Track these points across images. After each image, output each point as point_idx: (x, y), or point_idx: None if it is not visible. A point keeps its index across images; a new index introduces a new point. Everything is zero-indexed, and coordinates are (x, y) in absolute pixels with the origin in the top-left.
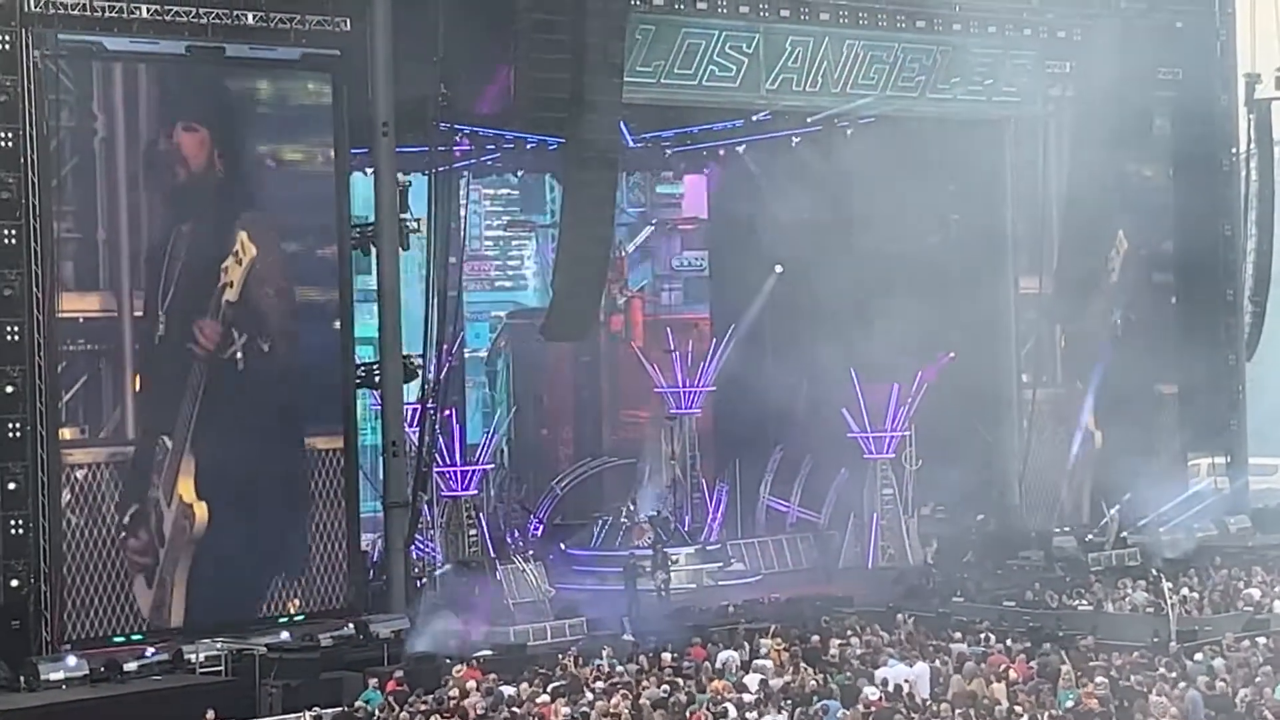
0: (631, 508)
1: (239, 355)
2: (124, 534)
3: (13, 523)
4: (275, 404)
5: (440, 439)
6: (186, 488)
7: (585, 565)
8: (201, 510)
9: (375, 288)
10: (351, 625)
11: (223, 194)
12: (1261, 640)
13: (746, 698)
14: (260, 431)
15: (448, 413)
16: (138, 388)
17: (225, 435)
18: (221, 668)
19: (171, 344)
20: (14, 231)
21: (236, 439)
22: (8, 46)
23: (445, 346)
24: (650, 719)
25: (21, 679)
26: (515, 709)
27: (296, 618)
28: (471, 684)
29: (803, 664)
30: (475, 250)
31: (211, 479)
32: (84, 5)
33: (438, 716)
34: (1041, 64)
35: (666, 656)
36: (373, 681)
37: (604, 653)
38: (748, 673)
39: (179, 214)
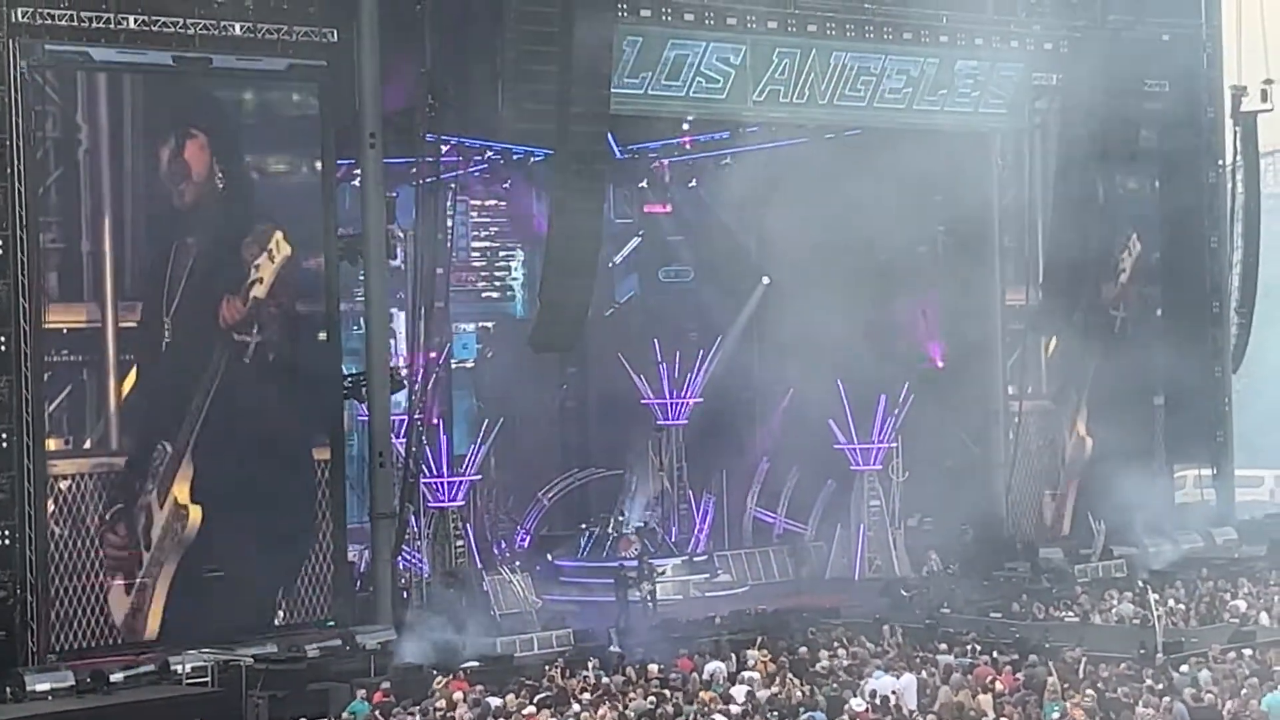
0: (619, 519)
1: (250, 350)
2: (107, 535)
3: None
4: (269, 414)
5: (427, 450)
6: (182, 491)
7: (572, 576)
8: (195, 513)
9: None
10: (338, 636)
11: (223, 204)
12: (1248, 652)
13: (733, 709)
14: (254, 441)
15: (435, 423)
16: (122, 395)
17: (223, 442)
18: (208, 679)
19: (179, 350)
20: (0, 242)
21: (233, 446)
22: None
23: (432, 357)
24: None
25: (7, 690)
26: None
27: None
28: (458, 695)
29: (789, 675)
30: (462, 261)
31: (206, 484)
32: (71, 16)
33: None
34: (1028, 76)
35: (653, 668)
36: (360, 693)
37: (590, 664)
38: (734, 684)
39: (180, 226)
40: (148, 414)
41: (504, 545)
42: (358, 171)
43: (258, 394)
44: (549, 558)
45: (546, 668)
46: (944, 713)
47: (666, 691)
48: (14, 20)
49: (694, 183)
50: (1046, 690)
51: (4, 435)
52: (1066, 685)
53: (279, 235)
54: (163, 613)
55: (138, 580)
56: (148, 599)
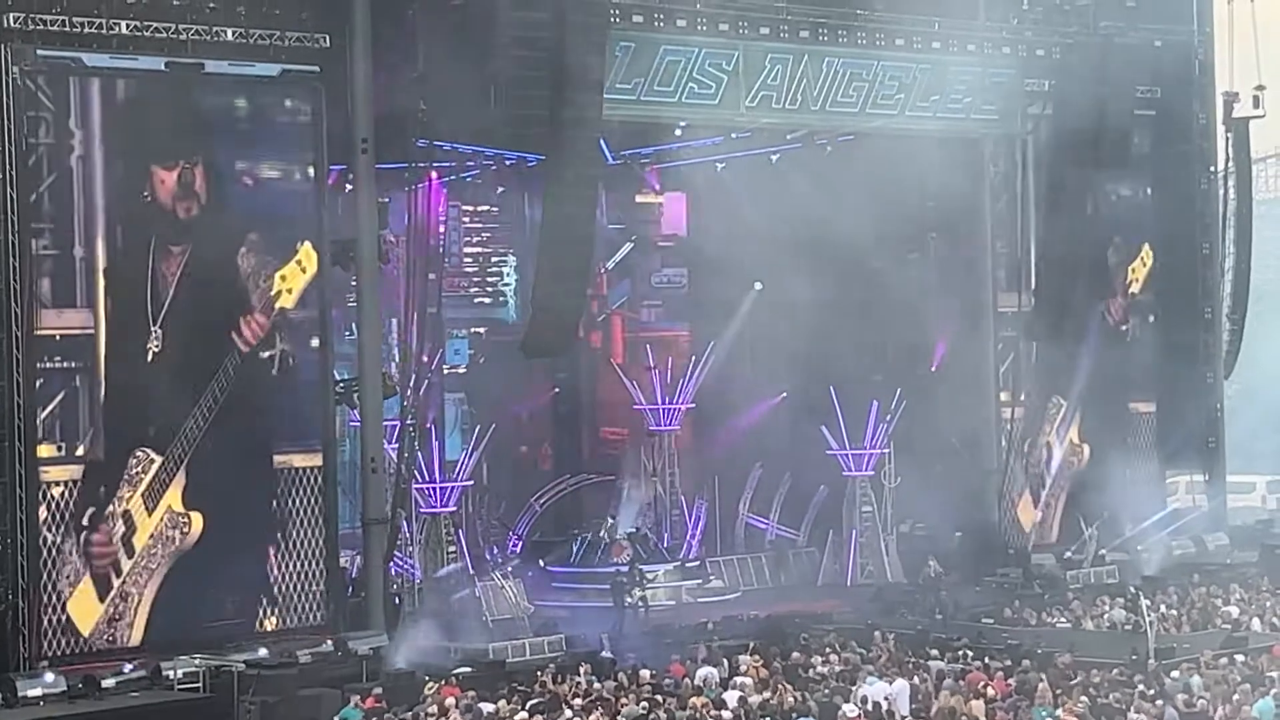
0: (611, 523)
1: (275, 361)
2: (91, 542)
3: None
4: (261, 420)
5: (419, 455)
6: (175, 498)
7: (564, 582)
8: (197, 520)
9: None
10: (330, 642)
11: (216, 212)
12: (1239, 658)
13: (726, 715)
14: (247, 447)
15: (427, 428)
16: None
17: (216, 448)
18: (200, 684)
19: (170, 358)
20: None
21: (226, 453)
22: None
23: (424, 363)
24: None
25: None
26: None
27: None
28: (450, 701)
29: (782, 681)
30: (454, 266)
31: (198, 491)
32: (63, 21)
33: None
34: (1020, 82)
35: (645, 673)
36: (353, 699)
37: (583, 669)
38: (727, 690)
39: (171, 234)
40: (126, 421)
41: (496, 551)
42: (350, 177)
43: (255, 401)
44: (541, 563)
45: (538, 673)
46: (937, 718)
47: (659, 697)
48: (5, 26)
49: (687, 188)
50: (1036, 696)
51: None
52: (1059, 691)
53: (307, 245)
54: (149, 618)
55: (116, 586)
56: (134, 605)
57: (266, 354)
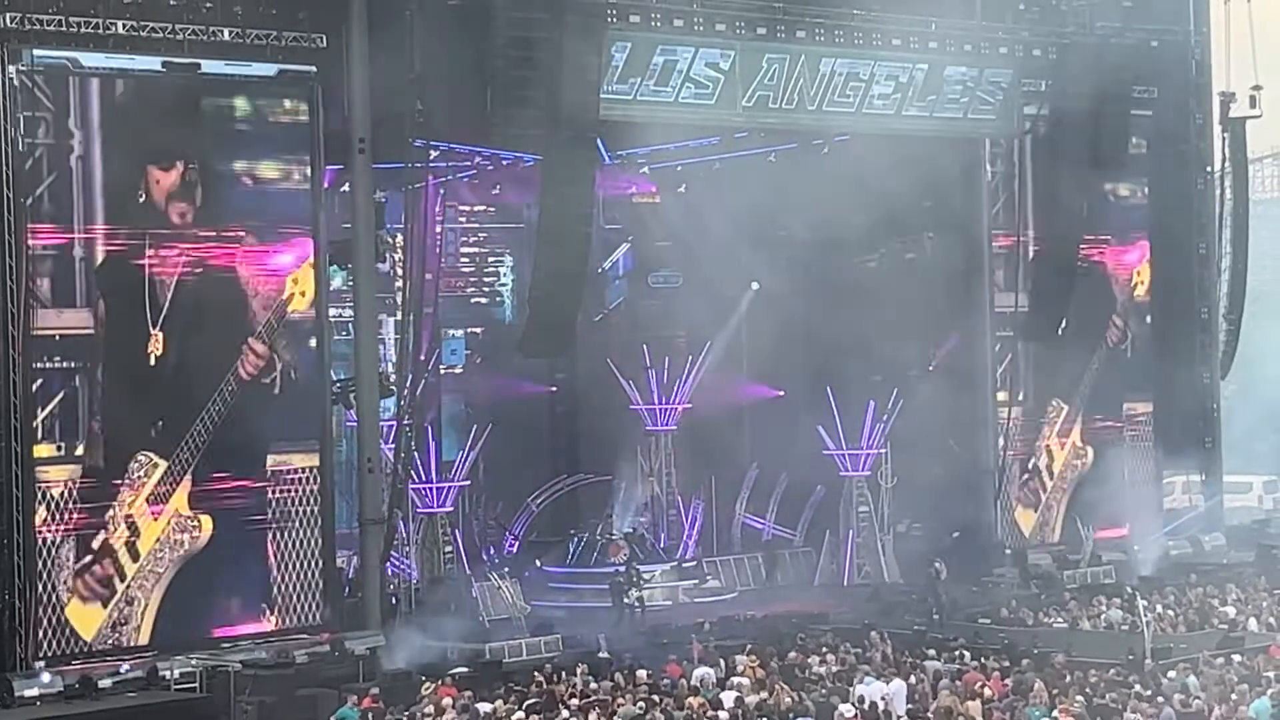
0: (608, 523)
1: (277, 381)
2: (91, 545)
3: None
4: (260, 421)
5: (415, 455)
6: (182, 502)
7: (561, 582)
8: (207, 523)
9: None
10: (327, 642)
11: (207, 213)
12: (1236, 658)
13: (722, 715)
14: (245, 448)
15: (424, 428)
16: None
17: (219, 449)
18: (196, 684)
19: (173, 361)
20: None
21: (226, 455)
22: None
23: (421, 362)
24: None
25: None
26: None
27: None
28: (447, 701)
29: (779, 681)
30: (451, 266)
31: (204, 494)
32: (60, 21)
33: None
34: (1017, 82)
35: (642, 674)
36: (350, 699)
37: (579, 670)
38: (724, 690)
39: (163, 234)
40: (127, 423)
41: (493, 551)
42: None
43: (256, 405)
44: (538, 563)
45: (535, 673)
46: (935, 718)
47: (655, 697)
48: (2, 26)
49: (684, 188)
50: (1031, 696)
51: None
52: (1055, 691)
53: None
54: (155, 623)
55: (120, 591)
56: (139, 610)
57: (268, 379)
